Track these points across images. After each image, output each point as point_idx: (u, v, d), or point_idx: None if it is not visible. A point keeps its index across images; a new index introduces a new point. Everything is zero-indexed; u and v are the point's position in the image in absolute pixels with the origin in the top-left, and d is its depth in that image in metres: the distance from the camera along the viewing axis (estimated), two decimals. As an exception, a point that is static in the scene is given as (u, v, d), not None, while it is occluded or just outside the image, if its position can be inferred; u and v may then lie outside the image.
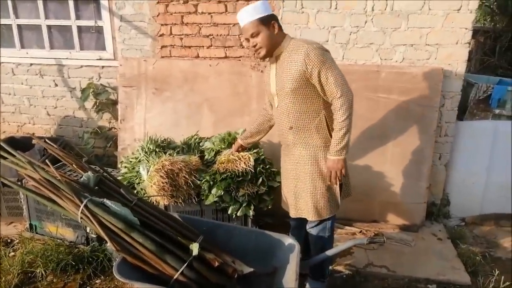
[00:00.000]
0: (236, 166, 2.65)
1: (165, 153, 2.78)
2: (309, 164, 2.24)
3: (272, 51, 2.20)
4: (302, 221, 2.46)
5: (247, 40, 2.21)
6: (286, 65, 2.15)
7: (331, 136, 2.23)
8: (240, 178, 2.64)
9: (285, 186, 2.46)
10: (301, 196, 2.31)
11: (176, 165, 2.60)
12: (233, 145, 2.75)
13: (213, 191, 2.63)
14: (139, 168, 2.79)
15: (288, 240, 2.03)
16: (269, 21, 2.14)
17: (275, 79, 2.23)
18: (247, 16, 2.13)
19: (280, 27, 2.18)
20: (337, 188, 2.30)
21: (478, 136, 3.45)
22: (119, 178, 2.88)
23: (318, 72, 2.07)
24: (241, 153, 2.71)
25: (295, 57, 2.10)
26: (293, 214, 2.40)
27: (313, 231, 2.42)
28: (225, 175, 2.63)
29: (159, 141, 3.03)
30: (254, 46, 2.18)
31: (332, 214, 2.36)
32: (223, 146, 2.87)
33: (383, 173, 3.33)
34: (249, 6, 2.13)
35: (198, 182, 2.66)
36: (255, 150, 2.78)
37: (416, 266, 2.89)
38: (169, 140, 3.12)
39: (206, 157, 2.88)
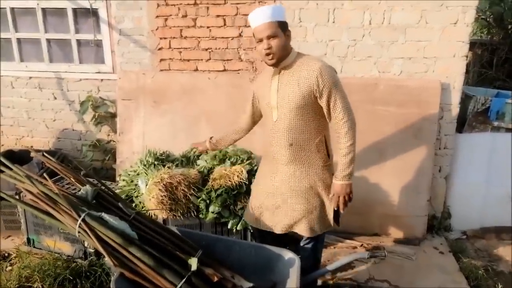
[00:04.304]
0: (229, 180, 2.64)
1: (163, 166, 2.77)
2: (306, 181, 2.18)
3: (281, 60, 2.08)
4: (281, 237, 2.36)
5: (260, 41, 2.04)
6: (295, 80, 2.07)
7: (329, 156, 2.22)
8: (235, 192, 2.63)
9: (263, 202, 2.30)
10: (294, 212, 2.22)
11: (175, 178, 2.59)
12: (197, 146, 2.70)
13: (211, 208, 2.61)
14: (137, 181, 2.77)
15: (288, 254, 2.00)
16: (286, 28, 2.06)
17: (276, 92, 2.13)
18: (266, 15, 1.99)
19: (290, 38, 2.12)
20: (332, 206, 2.23)
21: (477, 149, 3.45)
22: (117, 191, 2.87)
23: (329, 92, 2.03)
24: (233, 167, 2.71)
25: (307, 73, 2.03)
26: (281, 230, 2.26)
27: (307, 247, 2.37)
28: (220, 191, 2.61)
29: (157, 154, 3.02)
30: (268, 48, 2.02)
31: (326, 230, 2.31)
32: (215, 163, 2.86)
33: (383, 185, 3.32)
34: (269, 6, 2.01)
35: (196, 199, 2.64)
36: (247, 162, 2.77)
37: (418, 280, 2.86)
38: (167, 153, 3.11)
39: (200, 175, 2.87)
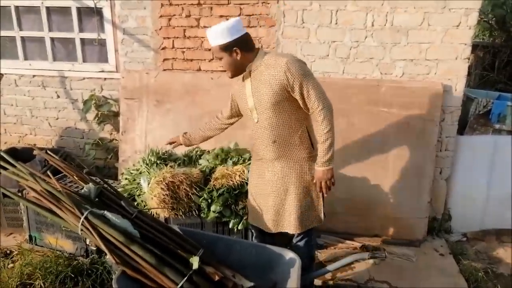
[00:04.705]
0: (231, 180, 2.66)
1: (166, 165, 2.78)
2: (294, 176, 2.23)
3: (238, 72, 2.20)
4: (279, 237, 2.41)
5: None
6: (265, 80, 2.11)
7: (313, 147, 2.25)
8: (237, 191, 2.64)
9: (258, 201, 2.37)
10: (284, 209, 2.27)
11: (177, 177, 2.60)
12: (171, 141, 2.76)
13: (212, 208, 2.62)
14: (140, 180, 2.78)
15: (289, 254, 2.02)
16: (230, 48, 2.10)
17: (251, 94, 2.19)
18: (210, 38, 2.12)
19: (246, 50, 2.14)
20: (320, 199, 2.30)
21: (478, 151, 3.45)
22: (119, 189, 2.88)
23: (300, 84, 2.06)
24: (235, 167, 2.73)
25: (275, 71, 2.07)
26: (273, 229, 2.32)
27: (300, 244, 2.39)
28: (221, 191, 2.63)
29: (160, 153, 3.03)
30: (221, 66, 2.22)
31: (316, 224, 2.34)
32: (217, 163, 2.88)
33: (384, 187, 3.33)
34: (216, 27, 2.08)
35: (198, 198, 2.66)
36: (249, 162, 2.79)
37: (418, 282, 2.86)
38: (170, 152, 3.12)
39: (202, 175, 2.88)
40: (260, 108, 2.18)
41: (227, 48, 2.10)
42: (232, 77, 2.24)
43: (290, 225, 2.28)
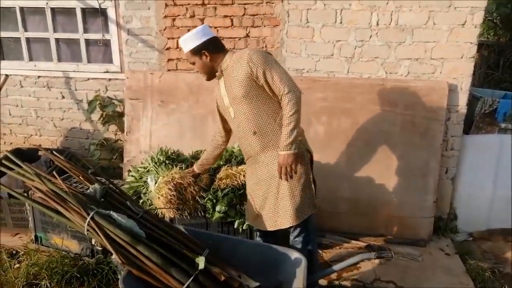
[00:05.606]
0: (235, 180, 2.66)
1: (174, 165, 2.77)
2: None
3: (211, 74, 2.31)
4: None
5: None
6: (233, 75, 2.19)
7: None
8: (242, 191, 2.64)
9: (256, 202, 2.37)
10: (279, 203, 2.25)
11: (186, 179, 2.59)
12: (188, 172, 2.70)
13: (217, 208, 2.63)
14: (147, 178, 2.78)
15: (294, 254, 2.01)
16: (199, 51, 2.21)
17: (225, 92, 2.28)
18: (182, 46, 2.26)
19: (215, 52, 2.24)
20: (312, 185, 2.31)
21: (484, 150, 3.44)
22: (125, 186, 2.89)
23: (263, 72, 2.11)
24: (240, 167, 2.73)
25: (239, 64, 2.16)
26: (270, 227, 2.31)
27: (297, 241, 2.38)
28: (226, 191, 2.63)
29: (169, 153, 3.01)
30: (197, 71, 2.34)
31: (311, 213, 2.33)
32: (221, 163, 2.88)
33: (389, 186, 3.32)
34: (185, 35, 2.22)
35: (203, 199, 2.66)
36: None
37: (424, 282, 2.85)
38: (178, 152, 3.11)
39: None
40: (234, 103, 2.25)
41: (196, 51, 2.22)
42: (208, 79, 2.34)
43: (286, 219, 2.25)
